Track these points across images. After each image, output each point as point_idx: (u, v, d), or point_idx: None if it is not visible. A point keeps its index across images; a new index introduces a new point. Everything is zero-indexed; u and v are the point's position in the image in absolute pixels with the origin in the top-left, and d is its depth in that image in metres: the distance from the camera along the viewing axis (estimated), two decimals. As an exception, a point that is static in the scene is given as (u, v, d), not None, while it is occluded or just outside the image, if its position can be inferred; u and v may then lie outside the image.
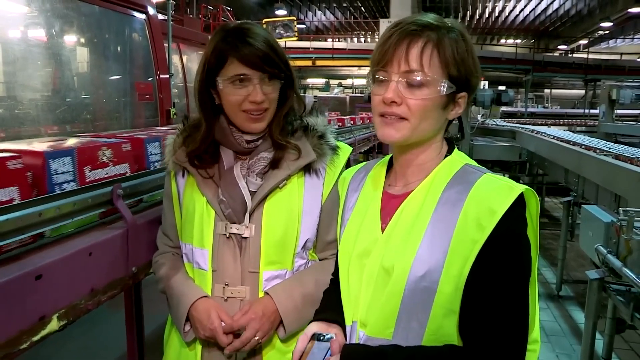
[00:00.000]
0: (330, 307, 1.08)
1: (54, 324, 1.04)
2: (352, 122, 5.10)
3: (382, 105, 0.94)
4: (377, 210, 1.01)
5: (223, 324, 1.15)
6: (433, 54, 0.91)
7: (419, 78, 0.90)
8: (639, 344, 3.70)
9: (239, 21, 1.22)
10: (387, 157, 1.09)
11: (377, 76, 0.95)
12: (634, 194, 2.98)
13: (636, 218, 2.21)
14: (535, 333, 0.91)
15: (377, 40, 1.07)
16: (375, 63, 0.95)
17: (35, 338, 1.00)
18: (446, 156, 1.00)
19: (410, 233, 0.93)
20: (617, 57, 21.69)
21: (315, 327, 1.03)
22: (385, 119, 0.94)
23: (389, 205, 1.00)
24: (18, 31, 3.17)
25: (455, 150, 1.02)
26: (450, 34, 0.93)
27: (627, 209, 2.32)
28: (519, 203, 0.89)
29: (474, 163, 1.00)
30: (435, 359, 0.89)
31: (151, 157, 1.60)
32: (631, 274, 2.13)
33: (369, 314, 0.96)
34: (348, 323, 1.01)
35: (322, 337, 0.99)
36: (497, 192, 0.89)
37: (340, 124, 4.62)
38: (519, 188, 0.89)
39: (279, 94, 1.22)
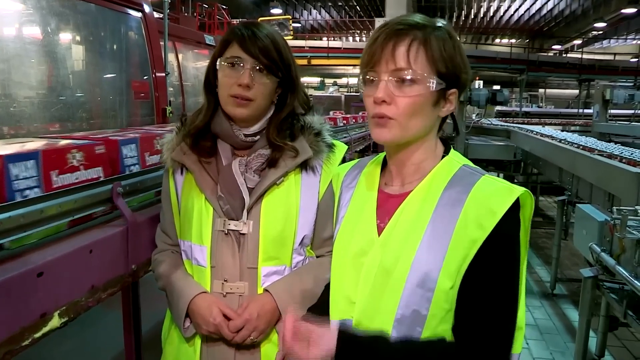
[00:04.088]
0: (319, 304, 1.12)
1: (55, 321, 1.05)
2: (344, 121, 5.00)
3: (374, 105, 0.94)
4: (373, 210, 1.02)
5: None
6: (420, 51, 0.92)
7: (407, 76, 0.91)
8: (631, 342, 3.74)
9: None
10: (381, 156, 1.10)
11: (367, 77, 0.96)
12: (628, 193, 3.01)
13: (630, 217, 2.24)
14: (520, 321, 0.94)
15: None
16: (364, 64, 0.97)
17: (37, 335, 1.00)
18: (443, 156, 1.01)
19: (410, 233, 0.94)
20: (610, 57, 21.80)
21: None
22: (378, 120, 0.95)
23: (387, 204, 1.01)
24: (12, 29, 3.14)
25: (452, 150, 1.03)
26: (437, 32, 0.94)
27: (621, 207, 2.35)
28: (516, 205, 0.91)
29: (471, 164, 1.01)
30: (428, 352, 0.91)
31: (126, 161, 1.48)
32: (624, 272, 2.16)
33: (365, 313, 0.97)
34: (335, 318, 1.03)
35: None
36: (498, 194, 0.91)
37: (332, 123, 4.53)
38: (518, 190, 0.91)
39: (280, 99, 1.23)
